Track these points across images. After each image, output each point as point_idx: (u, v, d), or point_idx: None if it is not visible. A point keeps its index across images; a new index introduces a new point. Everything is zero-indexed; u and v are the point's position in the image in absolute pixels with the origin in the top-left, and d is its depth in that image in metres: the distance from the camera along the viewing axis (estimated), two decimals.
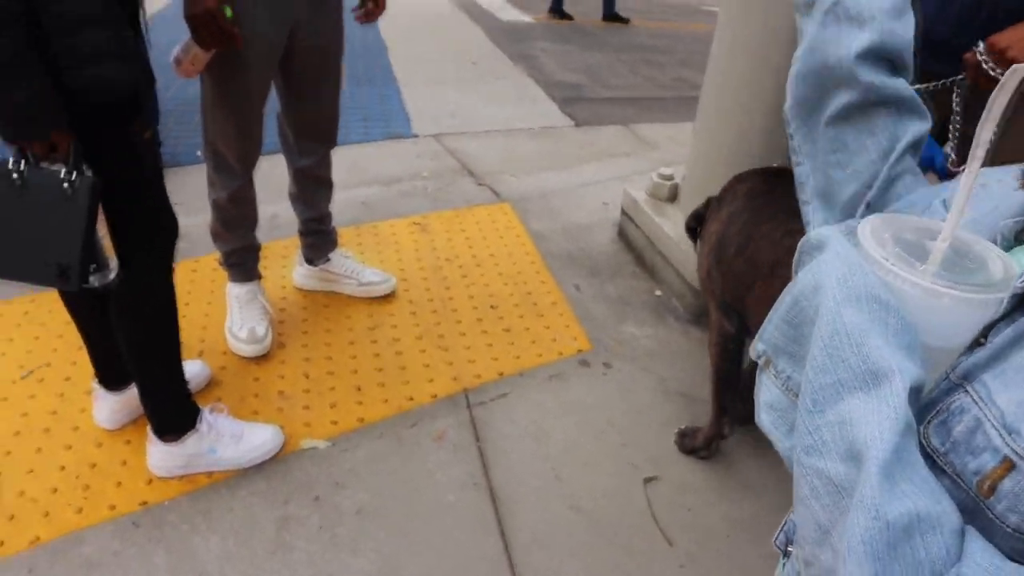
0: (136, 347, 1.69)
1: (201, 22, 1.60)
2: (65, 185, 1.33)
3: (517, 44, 6.28)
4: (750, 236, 1.74)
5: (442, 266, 2.71)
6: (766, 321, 0.55)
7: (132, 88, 1.41)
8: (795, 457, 0.49)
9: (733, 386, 1.94)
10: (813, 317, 0.50)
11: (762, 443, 2.03)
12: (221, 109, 1.91)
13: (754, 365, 1.75)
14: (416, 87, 4.75)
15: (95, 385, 1.89)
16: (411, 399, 2.09)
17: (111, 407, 1.89)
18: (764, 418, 0.56)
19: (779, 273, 1.64)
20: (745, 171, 1.94)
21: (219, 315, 2.31)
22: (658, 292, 2.70)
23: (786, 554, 0.67)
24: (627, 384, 2.25)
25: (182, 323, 2.26)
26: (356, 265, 2.49)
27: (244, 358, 2.17)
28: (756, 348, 0.57)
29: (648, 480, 1.94)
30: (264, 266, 2.54)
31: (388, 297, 2.50)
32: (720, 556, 1.76)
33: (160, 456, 1.79)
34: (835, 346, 0.47)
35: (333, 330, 2.33)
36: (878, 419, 0.44)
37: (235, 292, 2.24)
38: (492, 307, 2.51)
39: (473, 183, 3.42)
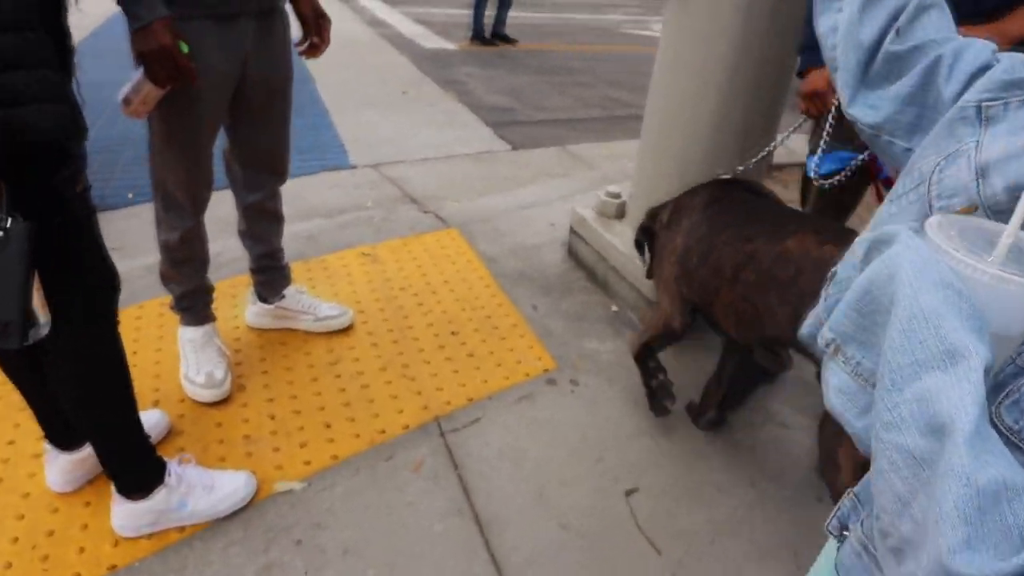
0: (81, 404, 1.58)
1: (156, 58, 1.55)
2: None
3: (443, 70, 6.32)
4: (711, 245, 1.81)
5: (397, 295, 2.68)
6: (835, 312, 0.57)
7: (57, 133, 1.30)
8: (873, 434, 0.51)
9: (657, 370, 2.12)
10: (887, 305, 0.52)
11: (730, 445, 2.07)
12: (171, 147, 1.85)
13: (734, 371, 1.79)
14: (347, 116, 4.72)
15: (46, 447, 1.78)
16: (383, 431, 2.05)
17: (64, 468, 1.78)
18: (834, 401, 0.58)
19: (741, 277, 1.72)
20: (697, 185, 2.01)
21: (171, 361, 2.23)
22: (614, 307, 2.74)
23: (841, 538, 0.69)
24: (595, 399, 2.26)
25: (133, 372, 2.17)
26: (312, 300, 2.43)
27: (204, 404, 2.09)
28: (825, 336, 0.59)
29: (629, 492, 1.94)
30: (214, 307, 2.46)
31: (346, 330, 2.45)
32: (707, 559, 1.78)
33: (126, 515, 1.69)
34: (913, 329, 0.49)
35: (294, 368, 2.27)
36: (959, 394, 0.46)
37: (188, 336, 2.16)
38: (453, 333, 2.49)
39: (417, 210, 3.40)
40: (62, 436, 1.76)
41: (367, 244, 3.02)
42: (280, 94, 2.03)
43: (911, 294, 0.49)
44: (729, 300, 1.77)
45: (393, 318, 2.54)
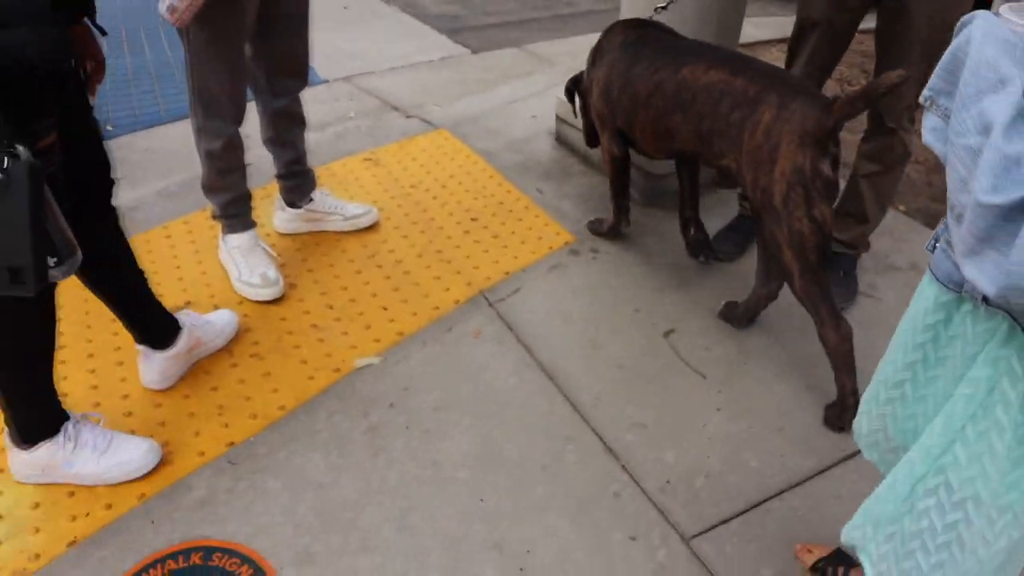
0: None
1: None
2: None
3: None
4: (628, 78, 2.12)
5: (410, 192, 2.80)
6: (932, 76, 0.84)
7: (46, 60, 1.26)
8: (949, 145, 0.78)
9: (625, 191, 2.48)
10: (964, 60, 0.77)
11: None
12: (214, 53, 1.89)
13: (692, 186, 2.00)
14: (319, 32, 4.64)
15: (139, 348, 1.89)
16: (437, 308, 2.22)
17: (159, 367, 1.89)
18: (928, 138, 0.85)
19: (652, 103, 2.06)
20: (614, 23, 2.26)
21: (216, 271, 2.32)
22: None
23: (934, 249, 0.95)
24: (617, 264, 2.47)
25: (182, 285, 2.28)
26: (338, 201, 2.54)
27: (264, 303, 2.20)
28: (924, 95, 0.86)
29: (667, 333, 2.18)
30: None
31: (374, 227, 2.57)
32: (744, 378, 2.04)
33: (16, 461, 1.66)
34: (978, 69, 0.74)
35: (336, 264, 2.39)
36: (1003, 105, 0.70)
37: (236, 242, 2.25)
38: (473, 219, 2.64)
39: (401, 116, 3.48)
40: (156, 337, 1.86)
41: (365, 151, 3.10)
42: None
43: (979, 47, 0.74)
44: (645, 122, 2.12)
45: (413, 212, 2.67)
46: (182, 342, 1.89)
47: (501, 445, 1.80)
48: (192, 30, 1.87)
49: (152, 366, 1.88)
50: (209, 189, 2.18)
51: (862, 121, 2.22)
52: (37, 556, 1.53)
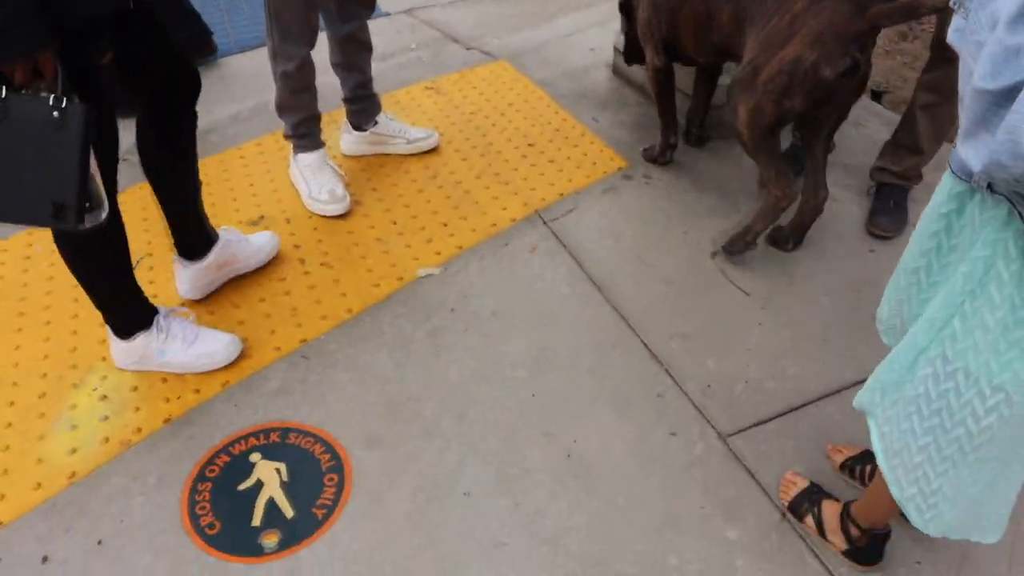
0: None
1: None
2: (55, 114, 1.23)
3: None
4: None
5: (470, 119, 2.89)
6: None
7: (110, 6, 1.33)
8: (963, 39, 0.87)
9: (671, 107, 2.53)
10: None
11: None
12: None
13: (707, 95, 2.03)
14: None
15: (175, 258, 2.00)
16: (494, 225, 2.33)
17: (192, 277, 1.99)
18: (951, 36, 0.93)
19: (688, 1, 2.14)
20: None
21: (287, 190, 2.47)
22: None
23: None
24: (669, 189, 2.53)
25: (256, 201, 2.42)
26: (401, 125, 2.65)
27: (331, 218, 2.35)
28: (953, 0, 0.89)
29: (714, 255, 2.25)
30: None
31: (435, 151, 2.68)
32: (787, 295, 2.11)
33: (117, 350, 1.83)
34: None
35: (399, 184, 2.52)
36: (1010, 2, 0.76)
37: (306, 161, 2.39)
38: (530, 145, 2.73)
39: (462, 48, 3.55)
40: (190, 248, 1.97)
41: (427, 79, 3.19)
42: None
43: None
44: (688, 15, 2.16)
45: (473, 137, 2.77)
46: (212, 256, 1.99)
47: (553, 348, 1.92)
48: None
49: (184, 275, 2.00)
50: (283, 108, 2.31)
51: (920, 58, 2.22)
52: (139, 430, 1.72)
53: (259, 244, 2.14)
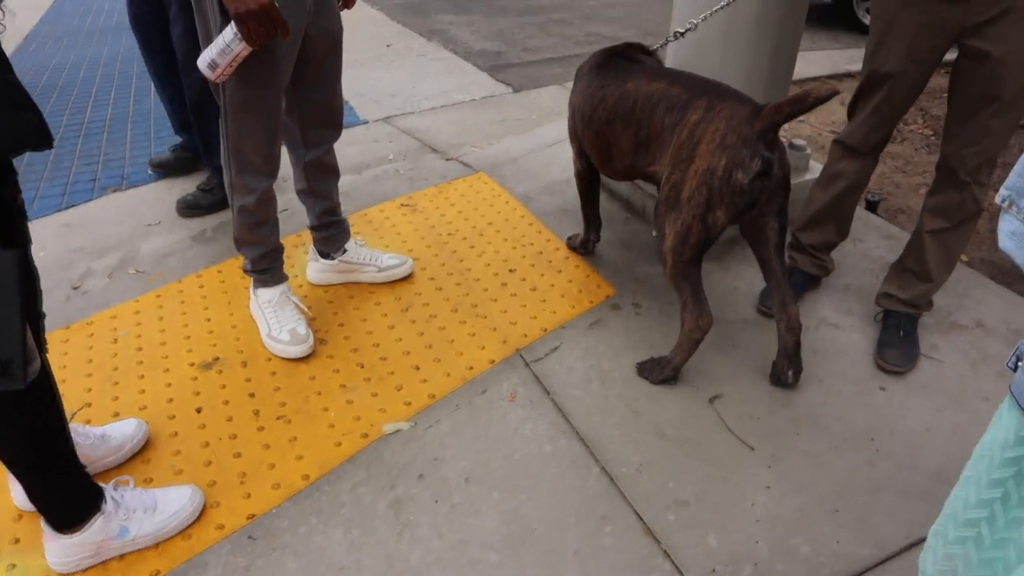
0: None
1: (255, 17, 1.56)
2: None
3: (421, 20, 6.24)
4: (584, 97, 2.21)
5: (447, 240, 2.73)
6: (1011, 174, 0.74)
7: (29, 143, 1.21)
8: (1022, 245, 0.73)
9: (592, 206, 2.57)
10: None
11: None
12: (251, 111, 1.85)
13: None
14: (348, 72, 4.67)
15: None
16: (471, 368, 2.13)
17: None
18: (1008, 244, 0.77)
19: (596, 116, 2.14)
20: (590, 55, 2.31)
21: (246, 323, 2.28)
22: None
23: (1016, 368, 0.82)
24: (660, 319, 2.35)
25: (210, 337, 2.23)
26: (372, 252, 2.48)
27: (292, 360, 2.15)
28: (1002, 194, 0.76)
29: (712, 399, 2.06)
30: None
31: (409, 278, 2.51)
32: (795, 451, 1.90)
33: (60, 552, 1.55)
34: None
35: (368, 318, 2.33)
36: None
37: (266, 297, 2.20)
38: (511, 270, 2.56)
39: (440, 159, 3.43)
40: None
41: (403, 195, 3.05)
42: (338, 46, 2.05)
43: None
44: (589, 138, 2.21)
45: (449, 262, 2.60)
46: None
47: (532, 523, 1.69)
48: (228, 89, 1.83)
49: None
50: (241, 243, 2.13)
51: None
52: None
53: (120, 440, 1.82)
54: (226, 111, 1.87)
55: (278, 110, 1.91)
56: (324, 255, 2.43)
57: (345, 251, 2.43)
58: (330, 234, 2.38)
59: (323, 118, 2.15)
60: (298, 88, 2.04)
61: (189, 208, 2.95)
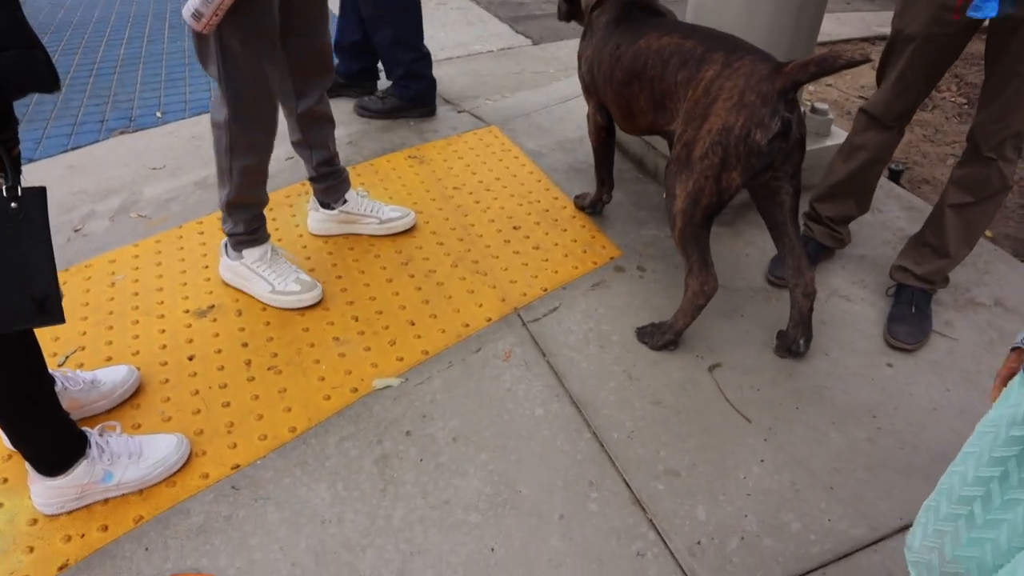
0: None
1: None
2: (13, 205, 1.13)
3: None
4: (601, 56, 2.13)
5: (452, 195, 2.67)
6: None
7: (36, 83, 1.17)
8: None
9: (607, 163, 2.48)
10: None
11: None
12: (251, 56, 1.76)
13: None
14: None
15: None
16: (467, 325, 2.09)
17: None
18: None
19: (615, 76, 2.07)
20: (607, 3, 2.18)
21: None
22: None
23: None
24: (665, 283, 2.29)
25: (204, 287, 2.20)
26: (374, 203, 2.43)
27: (289, 311, 2.12)
28: None
29: (712, 368, 2.00)
30: (273, 217, 2.47)
31: (411, 231, 2.46)
32: (794, 424, 1.85)
33: (45, 493, 1.55)
34: None
35: (367, 271, 2.29)
36: None
37: (256, 255, 2.11)
38: (515, 228, 2.50)
39: (452, 110, 3.35)
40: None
41: (411, 146, 2.99)
42: None
43: None
44: (611, 97, 2.13)
45: (453, 216, 2.55)
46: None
47: (518, 486, 1.66)
48: (225, 35, 1.72)
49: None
50: (236, 206, 2.04)
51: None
52: None
53: (111, 385, 1.80)
54: (225, 61, 1.76)
55: (278, 54, 1.84)
56: (325, 205, 2.38)
57: (346, 201, 2.37)
58: (329, 184, 2.33)
59: (311, 65, 2.06)
60: (287, 37, 1.94)
61: (361, 107, 3.24)
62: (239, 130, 1.89)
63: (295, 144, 2.25)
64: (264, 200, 2.09)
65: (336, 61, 3.10)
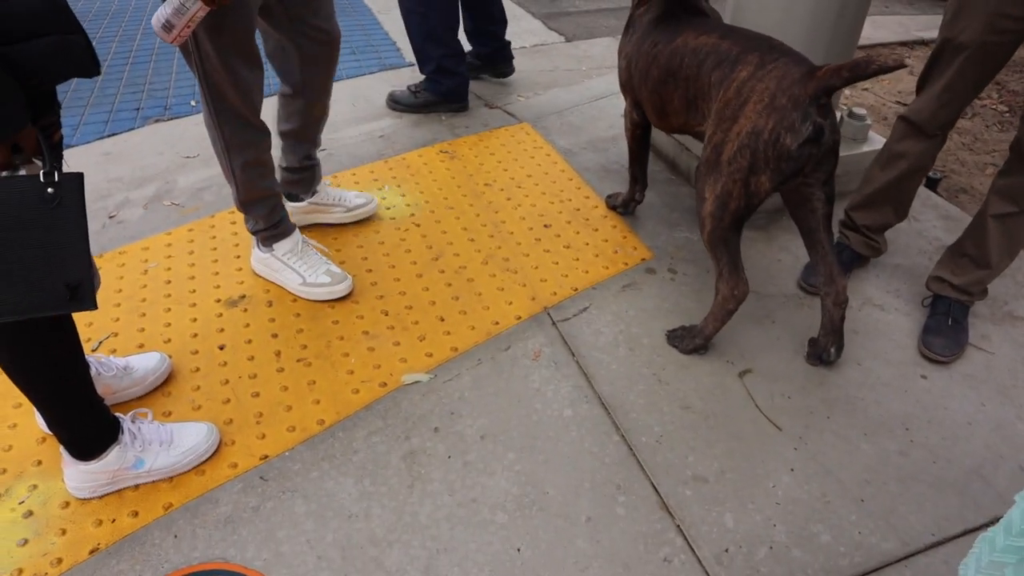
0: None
1: None
2: (49, 190, 1.13)
3: None
4: (640, 53, 2.13)
5: (483, 191, 2.66)
6: None
7: (76, 69, 1.16)
8: None
9: (642, 162, 2.47)
10: None
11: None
12: (232, 59, 1.73)
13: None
14: (391, 15, 4.58)
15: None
16: (497, 323, 2.09)
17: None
18: None
19: (651, 74, 2.07)
20: (653, 1, 2.17)
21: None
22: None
23: None
24: (696, 286, 2.27)
25: (235, 276, 2.21)
26: (339, 191, 2.41)
27: (318, 303, 2.12)
28: None
29: (743, 373, 1.98)
30: None
31: (443, 227, 2.46)
32: (825, 433, 1.83)
33: (78, 477, 1.57)
34: None
35: (397, 265, 2.29)
36: None
37: (286, 248, 2.12)
38: (546, 226, 2.49)
39: (484, 106, 3.34)
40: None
41: (443, 142, 2.98)
42: None
43: None
44: (646, 95, 2.12)
45: (484, 213, 2.54)
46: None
47: (545, 487, 1.66)
48: (203, 41, 1.68)
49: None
50: (249, 203, 2.03)
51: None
52: (58, 561, 1.49)
53: (143, 372, 1.82)
54: (206, 70, 1.73)
55: (255, 54, 1.80)
56: (292, 197, 2.34)
57: (316, 192, 2.35)
58: (305, 176, 2.30)
59: (321, 55, 2.04)
60: (295, 20, 1.93)
61: (393, 101, 3.26)
62: (228, 130, 1.87)
63: (284, 134, 2.20)
64: (276, 191, 2.08)
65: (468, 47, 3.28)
